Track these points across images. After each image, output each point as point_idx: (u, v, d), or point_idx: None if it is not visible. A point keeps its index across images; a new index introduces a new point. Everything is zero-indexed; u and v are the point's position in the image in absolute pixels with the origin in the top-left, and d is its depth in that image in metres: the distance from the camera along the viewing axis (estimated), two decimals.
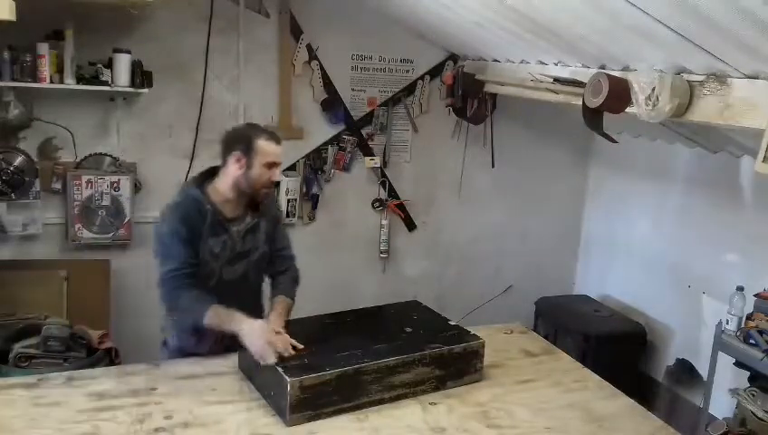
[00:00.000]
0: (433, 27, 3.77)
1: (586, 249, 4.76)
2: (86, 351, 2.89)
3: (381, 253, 4.29)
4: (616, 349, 3.86)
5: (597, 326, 3.99)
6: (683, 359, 3.83)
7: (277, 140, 2.32)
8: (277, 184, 3.56)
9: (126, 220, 3.56)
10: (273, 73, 3.83)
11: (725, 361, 3.04)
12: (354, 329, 2.36)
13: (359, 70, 4.02)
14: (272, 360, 2.04)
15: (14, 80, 3.14)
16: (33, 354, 2.78)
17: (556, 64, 3.16)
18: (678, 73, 2.34)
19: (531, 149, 4.45)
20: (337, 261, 4.15)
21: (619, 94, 2.44)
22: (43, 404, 2.00)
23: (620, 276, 4.41)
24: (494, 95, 3.99)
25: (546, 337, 3.18)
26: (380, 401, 2.10)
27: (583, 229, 4.77)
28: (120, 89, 3.33)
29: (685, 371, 3.79)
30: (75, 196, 3.47)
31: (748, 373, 2.98)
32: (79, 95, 3.35)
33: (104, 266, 3.54)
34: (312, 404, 1.98)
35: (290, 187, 3.90)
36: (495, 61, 3.79)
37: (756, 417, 2.84)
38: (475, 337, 2.33)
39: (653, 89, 2.29)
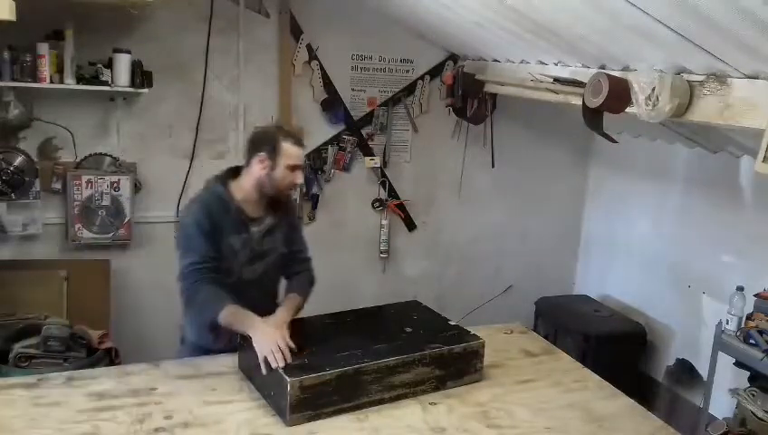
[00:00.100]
0: (433, 27, 3.77)
1: (586, 249, 4.76)
2: (86, 351, 2.89)
3: (381, 253, 4.29)
4: (616, 349, 3.86)
5: (597, 326, 3.99)
6: (683, 359, 3.83)
7: (300, 144, 2.37)
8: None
9: (126, 220, 3.56)
10: (273, 73, 3.83)
11: (725, 361, 3.04)
12: (354, 329, 2.36)
13: (359, 70, 4.02)
14: (277, 364, 2.03)
15: (14, 80, 3.14)
16: (33, 354, 2.78)
17: (556, 64, 3.16)
18: (678, 73, 2.34)
19: (531, 149, 4.45)
20: (337, 261, 4.14)
21: (619, 94, 2.44)
22: (43, 404, 2.00)
23: (620, 276, 4.41)
24: (493, 95, 3.99)
25: (546, 337, 3.17)
26: (380, 401, 2.10)
27: (583, 229, 4.77)
28: (119, 89, 3.32)
29: (685, 371, 3.79)
30: (75, 196, 3.48)
31: (748, 373, 2.99)
32: (79, 95, 3.35)
33: (104, 266, 3.54)
34: (312, 404, 1.98)
35: None
36: (495, 61, 3.78)
37: (756, 417, 2.84)
38: (475, 337, 2.33)
39: (653, 89, 2.29)
